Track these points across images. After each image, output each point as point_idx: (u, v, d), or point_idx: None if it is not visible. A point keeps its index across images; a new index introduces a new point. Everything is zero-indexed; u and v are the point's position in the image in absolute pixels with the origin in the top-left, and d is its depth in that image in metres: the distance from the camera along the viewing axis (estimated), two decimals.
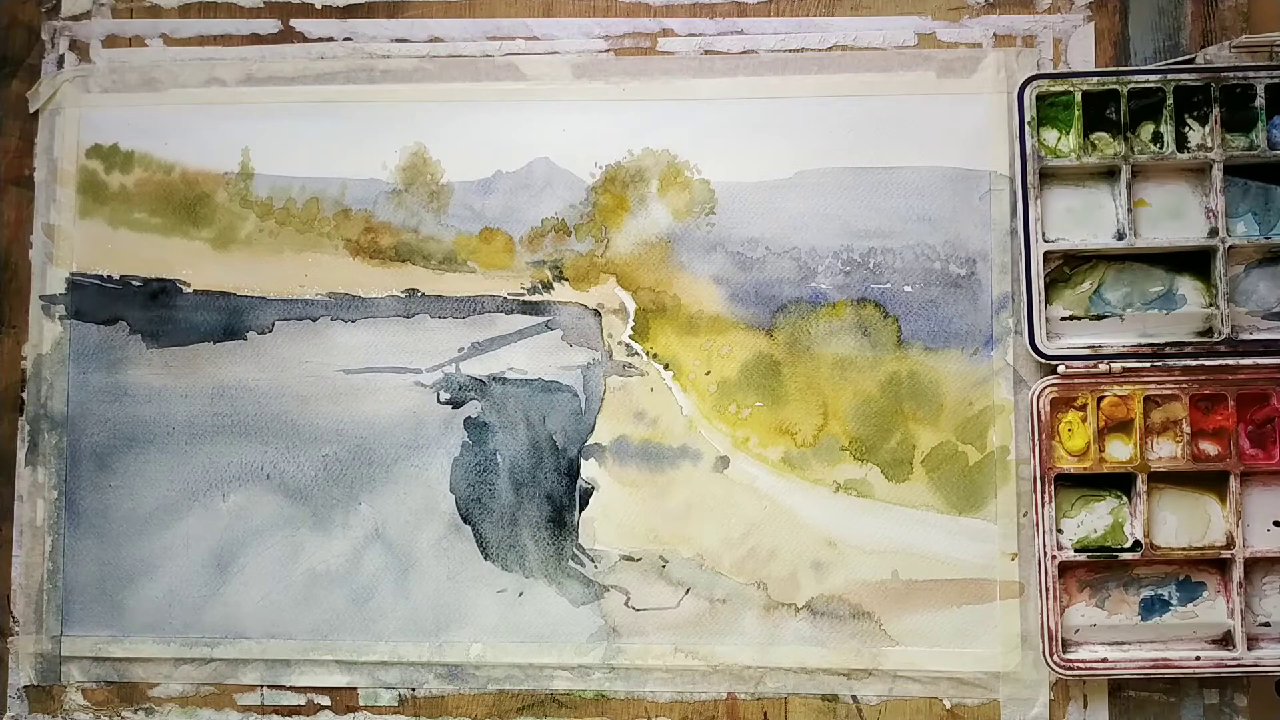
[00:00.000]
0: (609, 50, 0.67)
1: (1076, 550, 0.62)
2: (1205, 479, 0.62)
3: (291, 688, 0.65)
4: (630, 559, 0.65)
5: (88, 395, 0.67)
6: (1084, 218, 0.63)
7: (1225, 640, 0.61)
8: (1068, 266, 0.63)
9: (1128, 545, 0.62)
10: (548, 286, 0.66)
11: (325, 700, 0.65)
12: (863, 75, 0.65)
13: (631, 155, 0.66)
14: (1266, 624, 0.62)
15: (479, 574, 0.65)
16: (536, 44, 0.67)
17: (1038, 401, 0.62)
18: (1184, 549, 0.61)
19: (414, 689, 0.65)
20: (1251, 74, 0.62)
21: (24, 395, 0.67)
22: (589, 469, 0.65)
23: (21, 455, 0.67)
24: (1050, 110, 0.63)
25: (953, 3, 0.65)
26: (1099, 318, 0.63)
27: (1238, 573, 0.61)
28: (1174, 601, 0.62)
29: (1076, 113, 0.63)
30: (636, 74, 0.66)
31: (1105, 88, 0.62)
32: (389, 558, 0.65)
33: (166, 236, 0.67)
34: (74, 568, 0.66)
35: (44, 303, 0.68)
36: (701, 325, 0.65)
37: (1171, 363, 0.62)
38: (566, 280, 0.66)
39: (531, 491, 0.65)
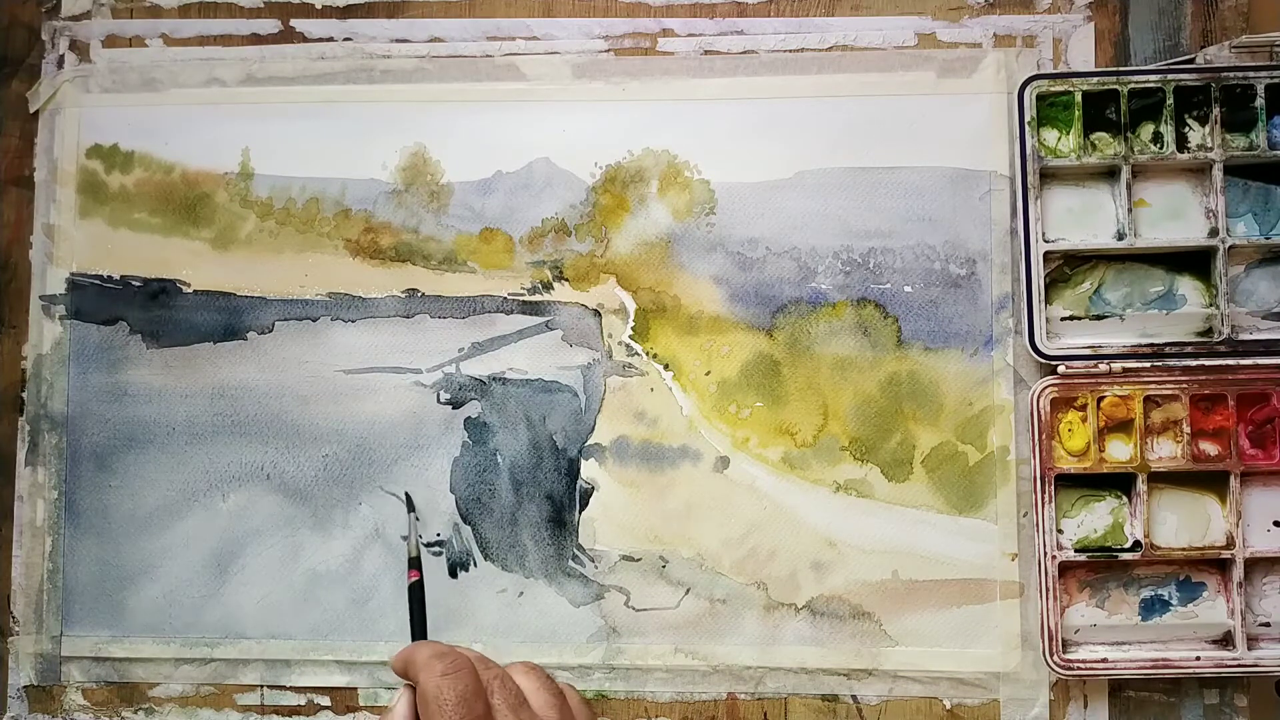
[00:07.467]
0: (609, 50, 0.66)
1: (1076, 550, 0.62)
2: (1205, 479, 0.62)
3: (291, 688, 0.65)
4: (630, 559, 0.64)
5: (88, 395, 0.67)
6: (1084, 218, 0.63)
7: (1225, 640, 0.61)
8: (1068, 266, 0.63)
9: (1128, 545, 0.62)
10: (548, 287, 0.66)
11: (325, 700, 0.65)
12: (863, 75, 0.65)
13: (631, 155, 0.66)
14: (1266, 624, 0.62)
15: (479, 574, 0.65)
16: (536, 44, 0.67)
17: (1038, 401, 0.62)
18: (1184, 549, 0.61)
19: None
20: (1251, 74, 0.62)
21: (24, 395, 0.67)
22: (589, 469, 0.65)
23: (21, 455, 0.67)
24: (1050, 110, 0.63)
25: (953, 3, 0.65)
26: (1099, 318, 0.63)
27: (1238, 573, 0.61)
28: (1174, 601, 0.62)
29: (1076, 113, 0.62)
30: (636, 74, 0.66)
31: (1105, 88, 0.62)
32: (389, 558, 0.65)
33: (166, 236, 0.67)
34: (74, 568, 0.66)
35: (44, 303, 0.67)
36: (701, 325, 0.65)
37: (1171, 363, 0.62)
38: (566, 280, 0.66)
39: (531, 491, 0.65)
